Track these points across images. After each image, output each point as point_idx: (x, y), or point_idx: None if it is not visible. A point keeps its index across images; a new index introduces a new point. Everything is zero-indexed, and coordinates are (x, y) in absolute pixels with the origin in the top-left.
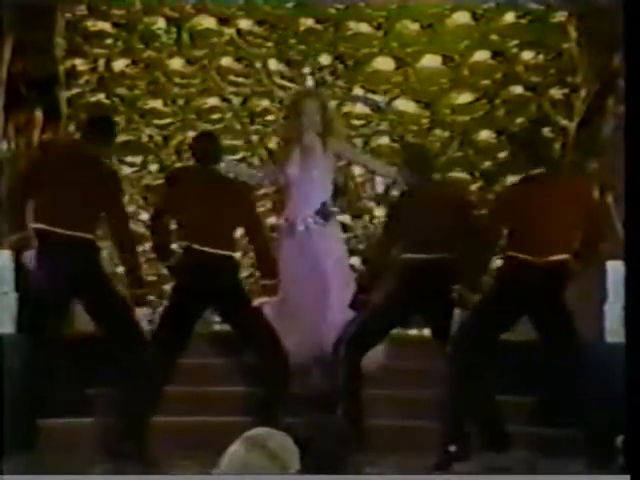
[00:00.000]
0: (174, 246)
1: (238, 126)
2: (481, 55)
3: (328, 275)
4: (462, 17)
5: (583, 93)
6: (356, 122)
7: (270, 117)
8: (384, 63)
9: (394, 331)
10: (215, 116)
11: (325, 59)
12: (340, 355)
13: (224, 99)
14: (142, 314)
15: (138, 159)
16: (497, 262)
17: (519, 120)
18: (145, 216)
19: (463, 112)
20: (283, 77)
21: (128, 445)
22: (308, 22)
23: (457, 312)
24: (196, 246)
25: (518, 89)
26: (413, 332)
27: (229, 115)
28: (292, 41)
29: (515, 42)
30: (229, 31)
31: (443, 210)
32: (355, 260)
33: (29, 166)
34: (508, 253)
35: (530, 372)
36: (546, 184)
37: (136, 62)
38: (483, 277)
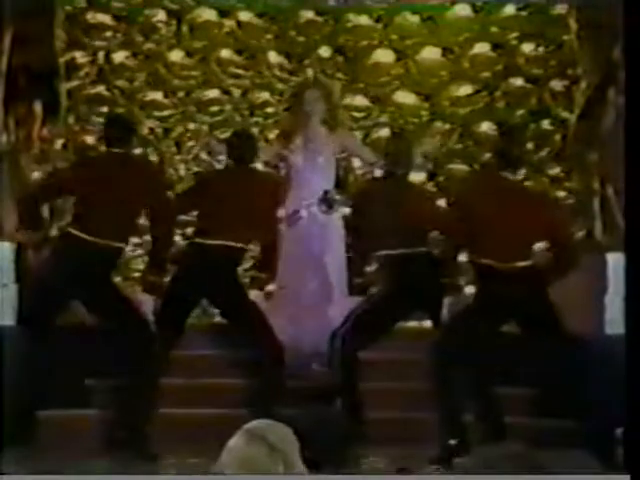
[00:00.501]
0: (176, 238)
1: (238, 118)
2: (481, 47)
3: (328, 265)
4: (462, 9)
5: (583, 85)
6: (356, 114)
7: (270, 109)
8: (384, 55)
9: None
10: (215, 108)
11: (325, 51)
12: (337, 348)
13: (224, 91)
14: (146, 301)
15: (138, 151)
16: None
17: (519, 112)
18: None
19: (463, 104)
20: (283, 69)
21: (128, 436)
22: (308, 14)
23: (447, 300)
24: (203, 239)
25: (518, 81)
26: (412, 324)
27: (229, 107)
28: (292, 33)
29: (515, 34)
30: (229, 23)
31: (409, 204)
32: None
33: (64, 168)
34: (473, 259)
35: (529, 364)
36: (510, 189)
37: (136, 54)
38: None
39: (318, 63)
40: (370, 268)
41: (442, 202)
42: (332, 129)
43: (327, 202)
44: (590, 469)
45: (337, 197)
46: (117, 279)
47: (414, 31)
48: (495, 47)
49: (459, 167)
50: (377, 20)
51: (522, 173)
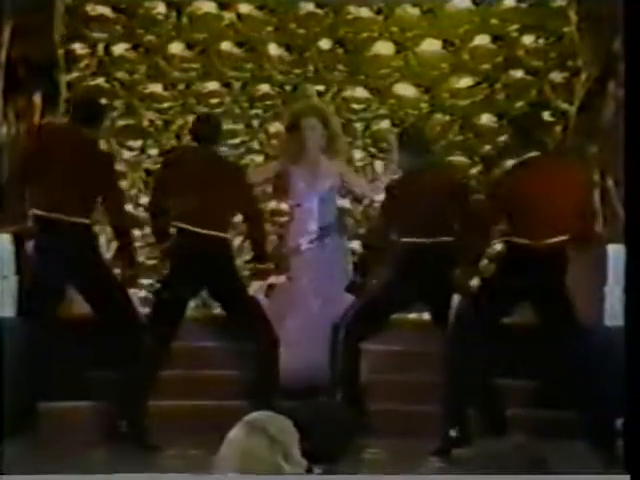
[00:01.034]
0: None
1: (238, 110)
2: (481, 39)
3: (331, 297)
4: (462, 1)
5: (583, 77)
6: (356, 106)
7: (270, 101)
8: (384, 47)
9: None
10: (215, 100)
11: (325, 43)
12: (339, 339)
13: (224, 83)
14: (136, 296)
15: (138, 143)
16: (497, 247)
17: (519, 104)
18: (145, 200)
19: (463, 96)
20: (283, 62)
21: (127, 428)
22: (308, 6)
23: (456, 297)
24: (190, 228)
25: (518, 73)
26: (413, 316)
27: (229, 99)
28: (292, 26)
29: (515, 26)
30: (229, 15)
31: (440, 193)
32: (355, 244)
33: (25, 153)
34: (507, 238)
35: (530, 356)
36: (542, 167)
37: (136, 46)
38: (481, 262)
39: (318, 56)
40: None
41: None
42: (331, 157)
43: (330, 231)
44: (590, 460)
45: (341, 225)
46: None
47: (414, 23)
48: (495, 39)
49: (459, 159)
50: (377, 12)
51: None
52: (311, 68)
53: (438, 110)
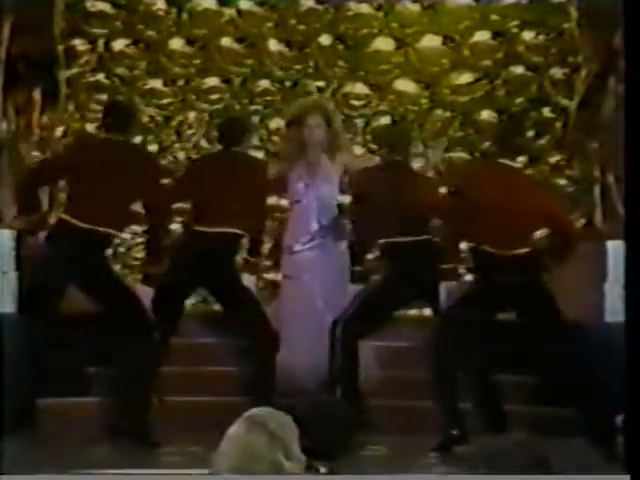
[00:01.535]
0: (175, 226)
1: (238, 106)
2: (482, 35)
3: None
4: None
5: (584, 73)
6: (356, 102)
7: (270, 97)
8: (384, 43)
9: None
10: (215, 96)
11: (325, 39)
12: (337, 336)
13: (224, 79)
14: (145, 291)
15: (138, 139)
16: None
17: (520, 100)
18: None
19: (464, 92)
20: (283, 57)
21: (128, 424)
22: (308, 2)
23: (444, 286)
24: (199, 227)
25: (519, 69)
26: (413, 312)
27: (229, 95)
28: (292, 21)
29: (516, 22)
30: (229, 11)
31: (411, 191)
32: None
33: (60, 153)
34: (473, 244)
35: (529, 352)
36: (496, 177)
37: (136, 42)
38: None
39: (319, 52)
40: (371, 256)
41: (443, 190)
42: (333, 156)
43: (330, 230)
44: (590, 457)
45: (341, 225)
46: (117, 267)
47: (414, 19)
48: (495, 35)
49: (459, 155)
50: (378, 8)
51: (521, 161)
52: (311, 64)
53: (438, 106)
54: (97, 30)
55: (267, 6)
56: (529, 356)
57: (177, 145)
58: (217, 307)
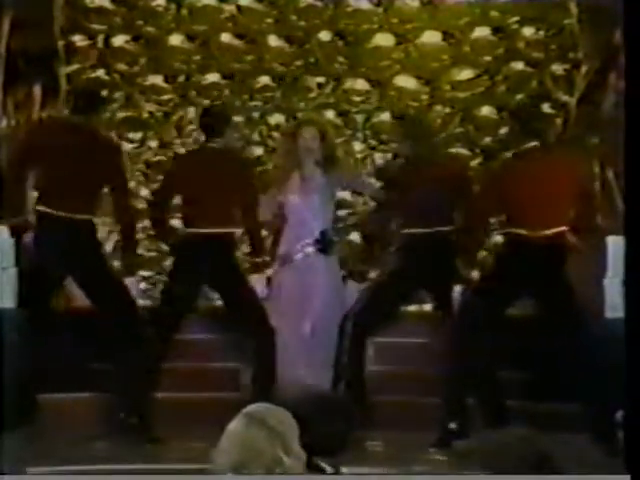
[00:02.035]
0: (176, 223)
1: (238, 102)
2: (482, 31)
3: (318, 313)
4: None
5: (584, 69)
6: (356, 98)
7: (270, 93)
8: (384, 39)
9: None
10: (215, 92)
11: (325, 35)
12: (346, 332)
13: (224, 75)
14: (136, 288)
15: (138, 135)
16: (496, 238)
17: (520, 96)
18: (145, 192)
19: (464, 88)
20: (283, 53)
21: (131, 420)
22: None
23: (457, 289)
24: (197, 225)
25: (519, 65)
26: (413, 308)
27: (229, 91)
28: (292, 17)
29: (516, 18)
30: (229, 7)
31: (440, 184)
32: (355, 236)
33: (24, 146)
34: (505, 229)
35: (530, 347)
36: (539, 158)
37: (136, 38)
38: (480, 253)
39: (319, 47)
40: (390, 248)
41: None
42: (328, 169)
43: (323, 243)
44: (590, 453)
45: (334, 238)
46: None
47: (414, 15)
48: (496, 31)
49: (459, 151)
50: (377, 4)
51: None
52: (311, 60)
53: (438, 102)
54: (97, 26)
55: (267, 2)
56: (530, 351)
57: (177, 141)
58: (218, 303)
